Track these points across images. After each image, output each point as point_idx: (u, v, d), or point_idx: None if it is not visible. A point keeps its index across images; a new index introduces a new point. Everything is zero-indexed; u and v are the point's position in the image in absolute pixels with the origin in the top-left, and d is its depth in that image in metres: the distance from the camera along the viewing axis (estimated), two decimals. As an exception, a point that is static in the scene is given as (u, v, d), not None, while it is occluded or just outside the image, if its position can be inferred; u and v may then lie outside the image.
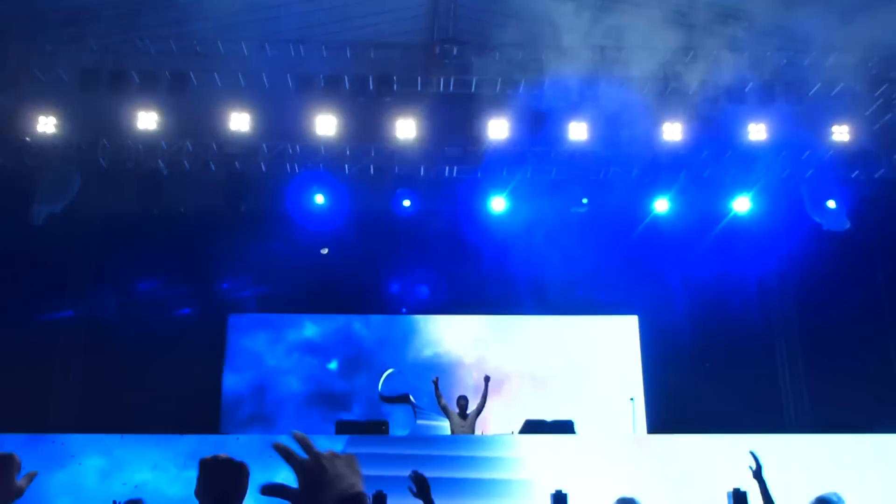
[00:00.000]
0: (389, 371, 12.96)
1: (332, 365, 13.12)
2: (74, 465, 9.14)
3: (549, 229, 12.14)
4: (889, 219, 11.42)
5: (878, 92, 10.54)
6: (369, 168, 11.77)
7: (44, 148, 10.99)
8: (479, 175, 11.78)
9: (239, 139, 11.12)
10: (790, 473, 9.45)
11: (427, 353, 13.26)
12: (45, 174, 10.97)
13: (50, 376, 12.12)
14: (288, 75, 10.64)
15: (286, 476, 1.40)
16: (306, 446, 1.39)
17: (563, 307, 13.16)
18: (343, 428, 10.45)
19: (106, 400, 11.59)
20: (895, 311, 12.08)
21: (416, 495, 4.37)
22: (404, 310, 13.32)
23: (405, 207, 11.89)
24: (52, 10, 10.00)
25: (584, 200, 11.90)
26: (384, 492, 7.69)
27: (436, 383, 10.65)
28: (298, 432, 1.40)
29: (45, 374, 12.07)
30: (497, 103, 11.02)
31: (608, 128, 11.13)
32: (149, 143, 11.18)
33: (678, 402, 12.03)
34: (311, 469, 1.37)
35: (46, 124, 10.81)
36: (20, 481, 1.82)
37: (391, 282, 12.94)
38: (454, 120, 11.38)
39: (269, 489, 1.38)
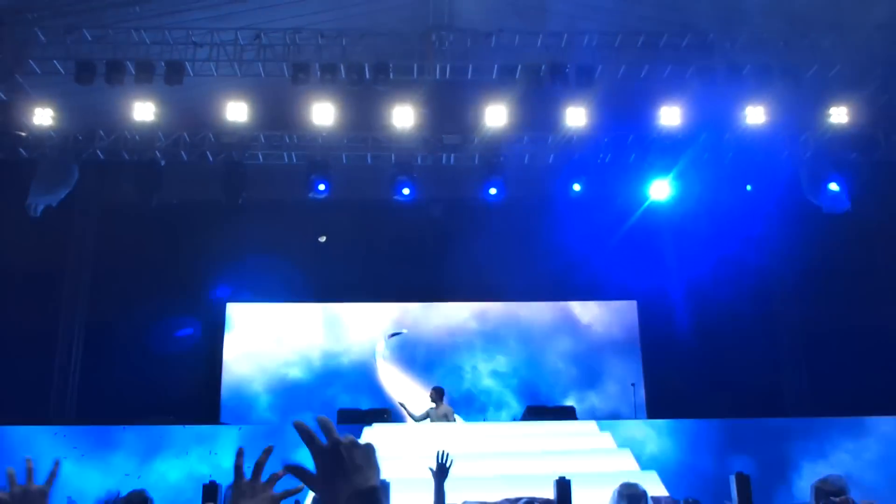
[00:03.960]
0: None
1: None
2: (77, 457, 9.16)
3: (547, 215, 12.11)
4: (888, 201, 11.35)
5: (876, 73, 10.48)
6: (366, 156, 11.74)
7: (40, 139, 10.96)
8: (476, 162, 11.74)
9: (236, 129, 11.09)
10: (790, 457, 9.51)
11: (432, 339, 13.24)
12: (42, 166, 10.93)
13: (51, 369, 12.12)
14: (283, 64, 10.59)
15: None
16: (328, 431, 1.41)
17: (563, 293, 13.12)
18: (345, 417, 10.46)
19: (106, 392, 11.59)
20: (894, 293, 12.03)
21: (436, 475, 4.35)
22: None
23: (404, 195, 11.80)
24: (47, 1, 9.94)
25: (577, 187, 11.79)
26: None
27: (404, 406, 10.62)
28: (323, 417, 1.43)
29: (47, 366, 12.07)
30: (494, 89, 10.97)
31: (606, 113, 11.09)
32: (145, 134, 11.16)
33: (676, 387, 12.03)
34: (329, 456, 1.39)
35: (43, 116, 10.77)
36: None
37: (387, 271, 12.83)
38: (451, 107, 11.33)
39: (293, 469, 1.43)
